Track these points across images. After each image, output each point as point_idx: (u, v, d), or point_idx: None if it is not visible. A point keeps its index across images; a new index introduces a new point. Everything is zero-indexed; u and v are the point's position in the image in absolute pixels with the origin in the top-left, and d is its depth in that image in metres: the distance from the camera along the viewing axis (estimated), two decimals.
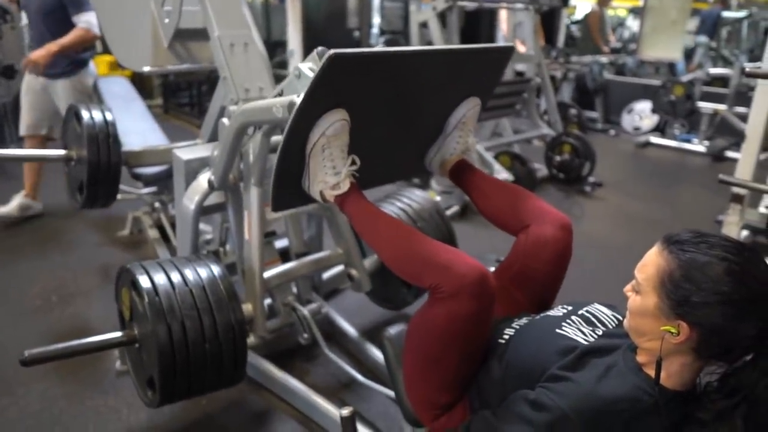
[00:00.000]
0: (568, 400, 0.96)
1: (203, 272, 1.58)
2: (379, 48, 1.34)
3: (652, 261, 0.96)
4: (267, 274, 1.83)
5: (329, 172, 1.30)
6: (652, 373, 0.96)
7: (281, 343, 2.14)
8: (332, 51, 1.14)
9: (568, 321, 1.14)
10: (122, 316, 1.65)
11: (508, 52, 1.52)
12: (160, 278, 1.51)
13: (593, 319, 1.15)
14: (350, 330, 2.17)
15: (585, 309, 1.18)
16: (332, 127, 1.24)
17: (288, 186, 1.36)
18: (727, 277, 0.87)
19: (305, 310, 1.90)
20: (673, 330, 0.91)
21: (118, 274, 1.63)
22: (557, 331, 1.12)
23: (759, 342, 0.89)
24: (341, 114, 1.25)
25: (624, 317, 1.10)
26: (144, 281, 1.49)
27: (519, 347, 1.15)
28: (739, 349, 0.90)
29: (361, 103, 1.29)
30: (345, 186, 1.31)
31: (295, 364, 2.09)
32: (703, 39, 7.56)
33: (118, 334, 1.58)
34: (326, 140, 1.26)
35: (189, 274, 1.56)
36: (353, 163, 1.32)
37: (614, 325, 1.14)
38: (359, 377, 1.85)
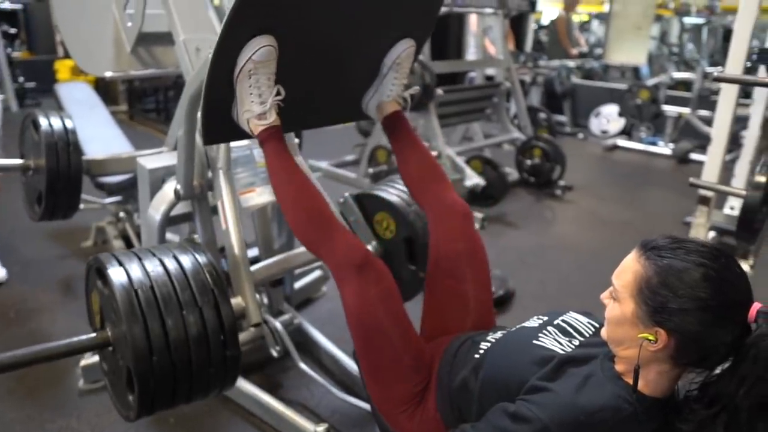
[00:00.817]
0: (549, 412, 0.94)
1: (185, 260, 1.37)
2: None
3: (629, 267, 0.95)
4: (253, 268, 1.76)
5: (255, 101, 1.29)
6: (630, 381, 0.95)
7: (252, 357, 2.08)
8: None
9: (544, 332, 1.13)
10: (92, 319, 1.47)
11: None
12: (134, 269, 1.30)
13: (569, 328, 1.13)
14: (323, 341, 2.12)
15: (561, 318, 1.17)
16: (259, 52, 1.23)
17: (218, 116, 1.34)
18: (704, 283, 0.87)
19: (277, 323, 1.85)
20: (650, 337, 0.90)
21: (88, 268, 1.43)
22: (534, 342, 1.11)
23: (735, 349, 0.88)
24: (268, 40, 1.24)
25: (600, 324, 1.09)
26: (116, 273, 1.28)
27: (495, 360, 1.14)
28: (716, 355, 0.90)
29: (290, 32, 1.27)
30: (271, 117, 1.31)
31: (267, 377, 2.03)
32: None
33: (89, 335, 1.36)
34: (253, 65, 1.25)
35: (168, 263, 1.34)
36: (278, 93, 1.30)
37: (591, 333, 1.12)
38: (334, 390, 1.81)
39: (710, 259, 0.89)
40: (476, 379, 1.15)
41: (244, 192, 1.83)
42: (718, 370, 0.92)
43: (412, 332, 1.25)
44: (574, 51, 7.20)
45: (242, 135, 1.39)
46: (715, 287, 0.87)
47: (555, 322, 1.16)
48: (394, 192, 2.04)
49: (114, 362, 1.37)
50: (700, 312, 0.86)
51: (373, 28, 1.42)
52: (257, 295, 1.89)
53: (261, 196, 1.85)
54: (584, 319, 1.17)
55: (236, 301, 1.57)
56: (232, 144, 1.80)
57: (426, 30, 1.56)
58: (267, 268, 1.83)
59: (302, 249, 1.97)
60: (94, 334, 1.35)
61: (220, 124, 1.36)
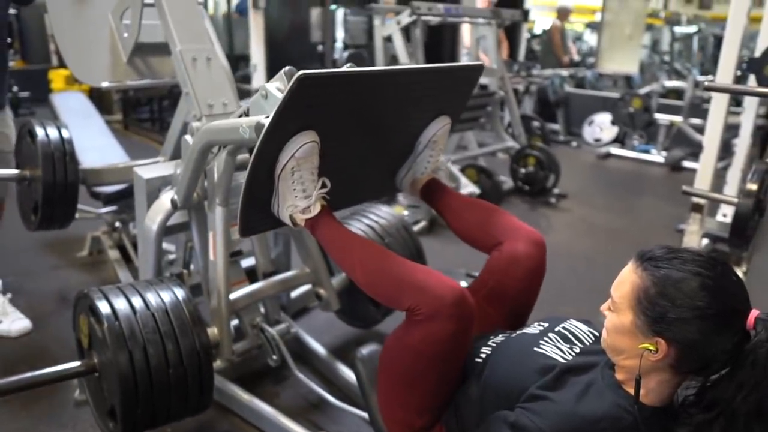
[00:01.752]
0: (548, 421, 0.95)
1: (166, 296, 1.52)
2: (348, 68, 1.30)
3: (627, 279, 0.96)
4: (233, 296, 1.78)
5: (299, 196, 1.26)
6: (630, 390, 0.96)
7: (249, 366, 2.08)
8: (301, 72, 1.11)
9: (545, 339, 1.14)
10: (81, 345, 1.57)
11: (477, 71, 1.52)
12: (120, 303, 1.44)
13: (570, 336, 1.14)
14: (320, 350, 2.12)
15: (561, 326, 1.18)
16: (301, 150, 1.21)
17: (257, 210, 1.32)
18: (702, 292, 0.88)
19: (273, 331, 1.85)
20: (651, 347, 0.91)
21: (76, 300, 1.55)
22: (535, 349, 1.11)
23: (734, 356, 0.89)
24: (311, 136, 1.22)
25: (599, 332, 1.10)
26: (103, 306, 1.42)
27: (497, 366, 1.14)
28: (716, 363, 0.91)
29: (331, 123, 1.26)
30: (316, 209, 1.28)
31: (264, 386, 2.03)
32: None
33: (76, 363, 1.49)
34: (296, 163, 1.22)
35: (151, 298, 1.49)
36: (324, 185, 1.29)
37: (591, 341, 1.13)
38: (331, 399, 1.80)
39: (707, 268, 0.90)
40: (478, 384, 1.15)
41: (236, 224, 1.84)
42: (715, 376, 0.93)
43: (456, 376, 1.20)
44: (566, 59, 7.26)
45: (280, 224, 1.38)
46: (712, 296, 0.88)
47: (556, 329, 1.16)
48: (365, 222, 2.10)
49: (99, 388, 1.50)
50: (699, 321, 0.88)
51: (411, 111, 1.42)
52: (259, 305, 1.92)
53: None
54: (584, 327, 1.18)
55: (212, 330, 1.68)
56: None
57: (460, 107, 1.57)
58: (248, 296, 1.85)
59: (287, 273, 1.99)
60: (78, 363, 1.49)
61: (259, 217, 1.35)
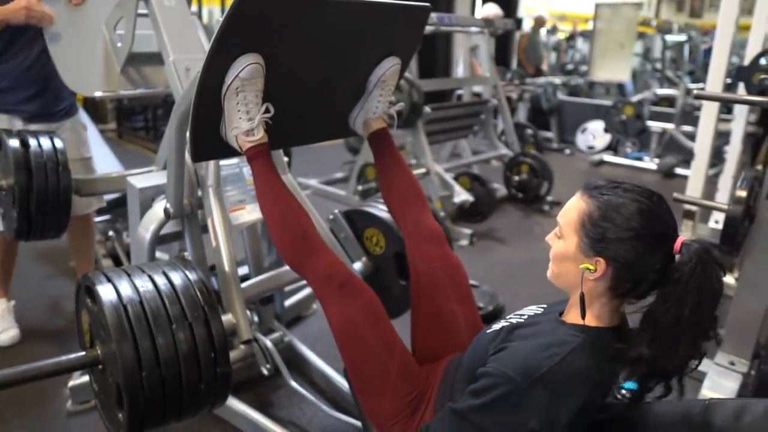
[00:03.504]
0: (506, 364, 1.00)
1: (176, 277, 1.36)
2: None
3: (573, 206, 1.05)
4: (244, 285, 1.76)
5: (243, 117, 1.31)
6: (575, 318, 1.04)
7: (243, 375, 2.08)
8: None
9: (497, 322, 1.21)
10: (82, 337, 1.45)
11: (425, 11, 1.53)
12: (124, 286, 1.29)
13: (520, 313, 1.21)
14: (314, 359, 2.12)
15: (514, 312, 1.24)
16: (245, 70, 1.25)
17: (207, 134, 1.35)
18: (638, 216, 0.98)
19: (267, 340, 1.85)
20: (591, 267, 1.00)
21: (77, 287, 1.42)
22: (487, 331, 1.19)
23: (661, 276, 0.97)
24: (255, 57, 1.25)
25: (548, 305, 1.19)
26: (105, 290, 1.27)
27: (464, 360, 1.21)
28: (645, 282, 0.99)
29: (278, 50, 1.29)
30: (259, 133, 1.33)
31: (258, 396, 2.03)
32: None
33: (79, 354, 1.34)
34: (240, 83, 1.27)
35: (159, 280, 1.33)
36: (267, 111, 1.32)
37: (540, 312, 1.19)
38: (325, 407, 1.80)
39: (645, 196, 1.00)
40: (459, 386, 1.18)
41: (234, 209, 1.85)
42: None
43: (397, 344, 1.28)
44: (530, 70, 7.27)
45: (231, 152, 1.40)
46: (647, 219, 0.98)
47: (508, 315, 1.23)
48: (383, 208, 2.04)
49: (104, 381, 1.35)
50: (634, 240, 0.97)
51: (359, 47, 1.45)
52: (248, 312, 1.90)
53: (251, 213, 1.86)
54: (534, 306, 1.23)
55: (227, 318, 1.58)
56: (222, 162, 1.81)
57: (411, 47, 1.59)
58: (257, 285, 1.84)
59: (286, 267, 1.98)
60: (83, 353, 1.34)
61: (209, 142, 1.38)
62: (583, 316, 1.02)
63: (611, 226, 0.98)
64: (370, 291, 1.31)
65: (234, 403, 1.84)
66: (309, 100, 1.49)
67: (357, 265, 1.99)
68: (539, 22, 7.59)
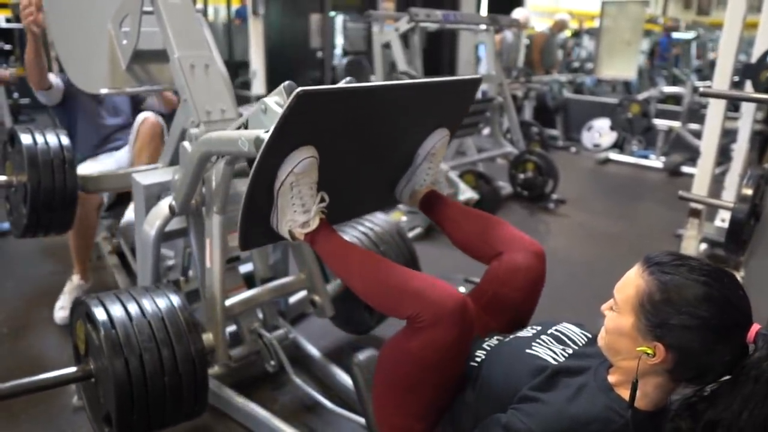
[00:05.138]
0: (540, 422, 0.95)
1: (161, 303, 1.53)
2: (347, 84, 1.31)
3: (631, 282, 0.96)
4: (229, 302, 1.78)
5: (298, 210, 1.27)
6: (623, 393, 0.96)
7: (247, 371, 2.08)
8: (300, 88, 1.11)
9: (538, 341, 1.14)
10: (77, 350, 1.58)
11: (475, 84, 1.53)
12: (116, 310, 1.45)
13: (563, 337, 1.15)
14: (317, 355, 2.12)
15: (554, 328, 1.18)
16: (300, 165, 1.21)
17: (256, 223, 1.33)
18: (706, 303, 0.88)
19: (271, 337, 1.86)
20: (649, 351, 0.91)
21: (73, 307, 1.57)
22: (528, 351, 1.12)
23: (731, 368, 0.89)
24: (310, 151, 1.22)
25: (593, 335, 1.10)
26: (99, 313, 1.43)
27: (491, 370, 1.15)
28: (712, 373, 0.91)
29: (330, 138, 1.27)
30: (314, 224, 1.29)
31: (262, 392, 2.03)
32: None
33: (72, 369, 1.50)
34: (295, 178, 1.22)
35: (147, 305, 1.50)
36: (322, 200, 1.29)
37: (584, 342, 1.14)
38: (328, 404, 1.80)
39: (714, 279, 0.90)
40: (473, 389, 1.16)
41: (235, 231, 1.84)
42: (707, 391, 0.92)
43: (454, 383, 1.20)
44: (541, 71, 7.21)
45: (279, 238, 1.38)
46: (717, 307, 0.88)
47: (549, 331, 1.17)
48: (360, 230, 2.11)
49: (95, 393, 1.51)
50: (701, 330, 0.88)
51: (410, 123, 1.43)
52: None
53: None
54: (577, 330, 1.18)
55: (208, 336, 1.68)
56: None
57: (458, 119, 1.57)
58: (243, 302, 1.85)
59: (283, 280, 1.99)
60: (75, 368, 1.50)
61: (259, 230, 1.36)
62: (632, 403, 0.93)
63: (674, 312, 0.89)
64: (472, 326, 1.17)
65: (238, 399, 1.85)
66: (358, 179, 1.48)
67: (330, 286, 2.01)
68: (560, 26, 7.50)
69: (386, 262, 1.26)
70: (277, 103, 1.34)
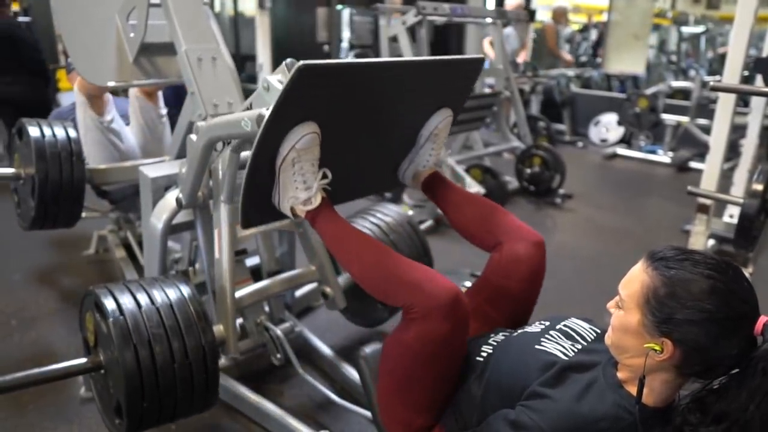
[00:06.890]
0: (549, 419, 0.95)
1: (172, 293, 1.52)
2: (349, 59, 1.32)
3: (636, 278, 0.95)
4: (238, 294, 1.78)
5: (300, 187, 1.26)
6: (632, 389, 0.96)
7: (254, 364, 2.09)
8: (301, 62, 1.11)
9: (547, 336, 1.14)
10: (87, 342, 1.57)
11: (478, 63, 1.52)
12: (125, 300, 1.44)
13: (572, 333, 1.14)
14: (324, 349, 2.13)
15: (563, 323, 1.18)
16: (302, 141, 1.21)
17: (257, 201, 1.33)
18: (711, 296, 0.87)
19: (278, 330, 1.86)
20: (656, 347, 0.90)
21: (83, 298, 1.55)
22: (537, 347, 1.11)
23: (739, 361, 0.88)
24: (311, 127, 1.22)
25: (602, 330, 1.10)
26: (109, 303, 1.42)
27: (498, 365, 1.14)
28: (720, 367, 0.90)
29: (332, 115, 1.27)
30: (316, 201, 1.28)
31: (269, 385, 2.04)
32: None
33: (82, 360, 1.49)
34: (296, 154, 1.22)
35: (157, 295, 1.49)
36: (324, 176, 1.29)
37: (593, 338, 1.13)
38: (335, 398, 1.81)
39: (718, 271, 0.89)
40: (479, 383, 1.15)
41: None
42: (716, 385, 0.92)
43: (454, 375, 1.20)
44: (568, 59, 7.18)
45: (281, 217, 1.38)
46: (722, 300, 0.87)
47: (557, 327, 1.17)
48: (371, 221, 2.10)
49: (105, 384, 1.50)
50: (708, 324, 0.87)
51: (413, 102, 1.42)
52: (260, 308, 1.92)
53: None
54: (586, 325, 1.17)
55: (218, 328, 1.67)
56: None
57: (462, 100, 1.56)
58: (253, 294, 1.85)
59: (293, 272, 1.99)
60: (84, 359, 1.49)
61: (260, 209, 1.36)
62: (639, 399, 0.93)
63: (680, 307, 0.87)
64: (466, 319, 1.17)
65: (244, 392, 1.85)
66: (361, 158, 1.47)
67: (342, 278, 2.00)
68: (561, 13, 7.42)
69: (385, 248, 1.26)
70: (279, 80, 1.34)
